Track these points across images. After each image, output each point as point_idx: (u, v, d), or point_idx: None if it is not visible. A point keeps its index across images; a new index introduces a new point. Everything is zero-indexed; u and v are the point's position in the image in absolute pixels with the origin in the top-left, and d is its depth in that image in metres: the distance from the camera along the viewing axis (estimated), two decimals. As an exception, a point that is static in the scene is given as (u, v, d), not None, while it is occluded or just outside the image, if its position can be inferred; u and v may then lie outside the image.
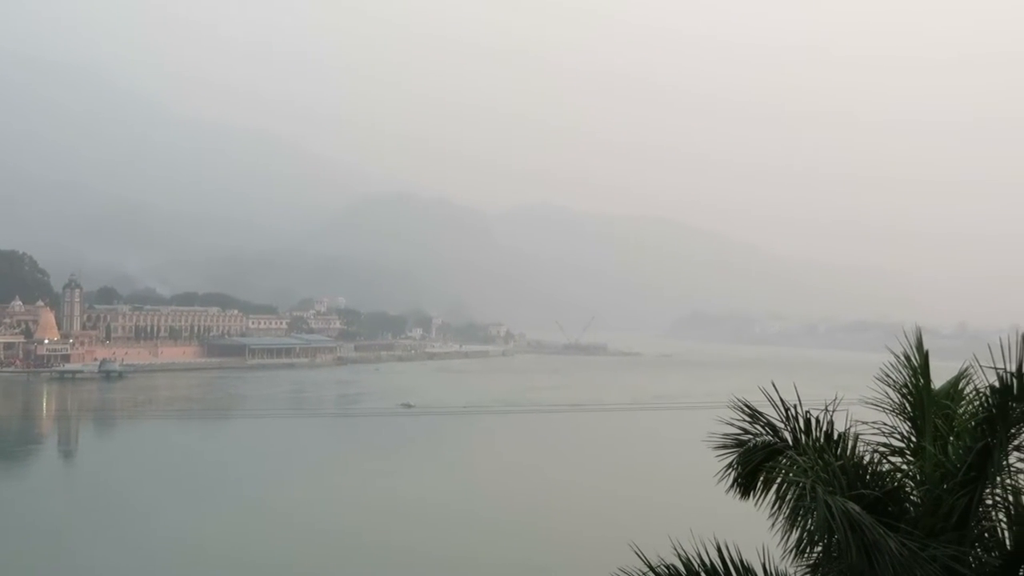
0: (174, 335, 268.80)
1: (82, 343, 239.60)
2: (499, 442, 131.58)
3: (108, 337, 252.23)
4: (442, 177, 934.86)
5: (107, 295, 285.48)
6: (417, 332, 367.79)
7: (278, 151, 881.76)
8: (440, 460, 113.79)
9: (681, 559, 11.61)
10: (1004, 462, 11.01)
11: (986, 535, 11.33)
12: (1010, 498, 11.28)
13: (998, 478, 11.07)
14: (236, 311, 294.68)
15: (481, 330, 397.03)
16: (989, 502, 11.25)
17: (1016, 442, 11.13)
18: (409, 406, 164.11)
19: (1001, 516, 11.33)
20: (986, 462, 10.86)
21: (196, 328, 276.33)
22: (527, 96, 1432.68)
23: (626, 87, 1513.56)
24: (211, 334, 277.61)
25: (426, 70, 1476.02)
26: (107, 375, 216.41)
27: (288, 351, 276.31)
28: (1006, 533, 11.28)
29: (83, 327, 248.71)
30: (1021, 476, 11.31)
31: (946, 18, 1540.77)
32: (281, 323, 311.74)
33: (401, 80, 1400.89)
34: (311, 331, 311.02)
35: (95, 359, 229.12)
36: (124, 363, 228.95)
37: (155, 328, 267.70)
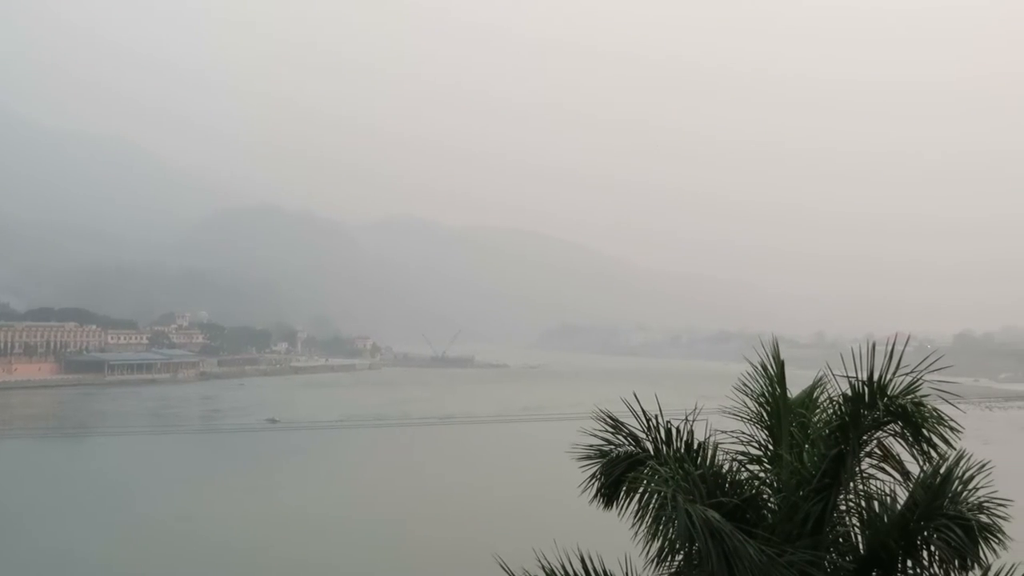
0: (29, 351, 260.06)
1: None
2: (367, 456, 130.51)
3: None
4: (307, 189, 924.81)
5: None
6: (282, 346, 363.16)
7: (137, 159, 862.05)
8: (307, 474, 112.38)
9: (545, 570, 11.65)
10: (857, 468, 11.31)
11: (841, 540, 11.61)
12: (863, 503, 11.58)
13: (851, 484, 11.36)
14: (95, 326, 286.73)
15: (347, 343, 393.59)
16: (843, 507, 11.53)
17: (868, 449, 11.44)
18: (274, 421, 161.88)
19: (855, 521, 11.62)
20: (840, 469, 11.13)
21: (52, 344, 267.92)
22: (391, 108, 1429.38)
23: (492, 100, 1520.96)
24: (68, 350, 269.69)
25: (290, 81, 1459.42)
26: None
27: (149, 367, 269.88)
28: (859, 537, 11.57)
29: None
30: (873, 482, 11.62)
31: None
32: (142, 338, 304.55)
33: (266, 90, 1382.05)
34: (173, 346, 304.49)
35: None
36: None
37: (8, 344, 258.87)
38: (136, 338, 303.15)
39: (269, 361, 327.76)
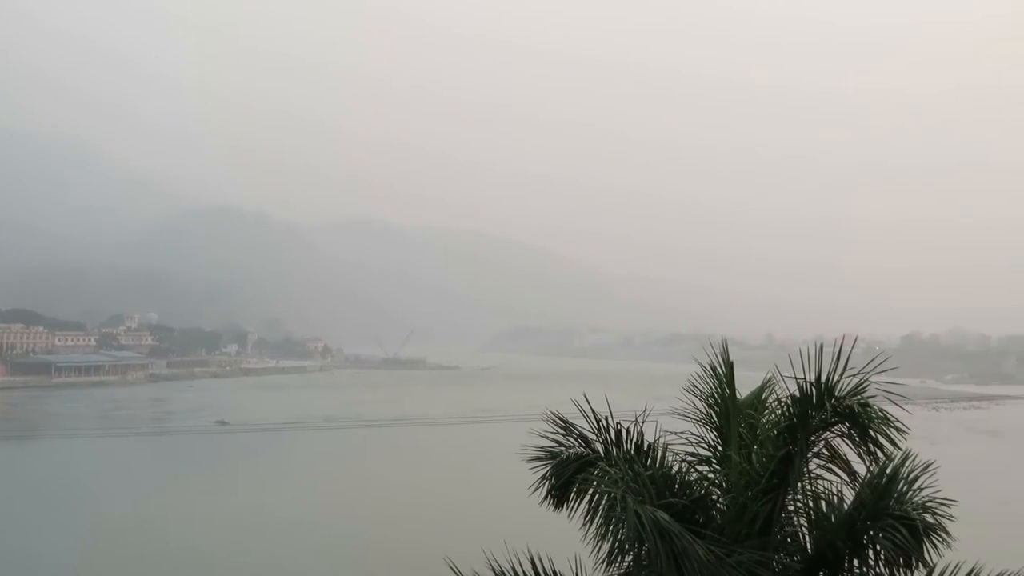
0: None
1: None
2: (318, 458, 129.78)
3: None
4: (262, 190, 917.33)
5: None
6: (232, 348, 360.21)
7: (89, 159, 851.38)
8: (258, 476, 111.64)
9: (495, 572, 11.66)
10: (804, 469, 11.38)
11: (788, 540, 11.69)
12: (810, 503, 11.67)
13: (799, 484, 11.44)
14: (42, 328, 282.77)
15: (299, 345, 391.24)
16: (791, 508, 11.61)
17: (816, 449, 11.52)
18: (224, 423, 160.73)
19: (802, 521, 11.70)
20: (788, 469, 11.20)
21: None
22: (348, 109, 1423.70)
23: (449, 102, 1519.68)
24: (14, 352, 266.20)
25: (245, 82, 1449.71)
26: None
27: (97, 368, 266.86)
28: (807, 537, 11.65)
29: None
30: (821, 482, 11.71)
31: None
32: (90, 340, 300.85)
33: (222, 91, 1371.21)
34: (121, 348, 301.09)
35: None
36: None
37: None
38: (84, 340, 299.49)
39: (219, 363, 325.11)
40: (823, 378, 11.06)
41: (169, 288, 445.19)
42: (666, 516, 10.34)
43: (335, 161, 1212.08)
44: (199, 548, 75.49)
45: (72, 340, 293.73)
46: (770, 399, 12.40)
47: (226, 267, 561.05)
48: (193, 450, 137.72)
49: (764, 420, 12.09)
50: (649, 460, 11.93)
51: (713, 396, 12.31)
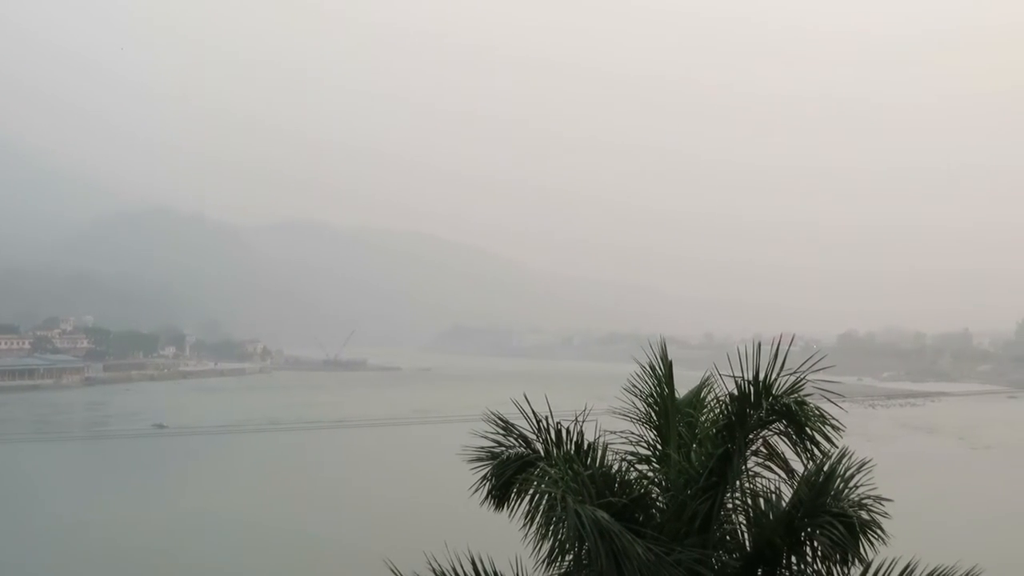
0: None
1: None
2: (257, 460, 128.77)
3: None
4: (199, 190, 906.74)
5: None
6: (170, 350, 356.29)
7: (20, 154, 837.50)
8: (198, 479, 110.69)
9: (436, 573, 11.62)
10: (743, 467, 11.46)
11: (728, 538, 11.76)
12: (749, 501, 11.75)
13: (738, 482, 11.52)
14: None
15: (238, 347, 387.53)
16: (730, 506, 11.68)
17: (754, 447, 11.61)
18: (162, 427, 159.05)
19: (741, 519, 11.79)
20: (727, 467, 11.27)
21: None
22: (287, 108, 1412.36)
23: (387, 100, 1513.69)
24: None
25: (183, 79, 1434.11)
26: None
27: (32, 372, 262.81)
28: (746, 535, 11.74)
29: None
30: (759, 480, 11.80)
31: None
32: (23, 343, 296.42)
33: (159, 88, 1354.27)
34: (57, 351, 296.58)
35: None
36: None
37: None
38: (18, 343, 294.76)
39: (157, 366, 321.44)
40: (761, 377, 11.14)
41: (105, 290, 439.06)
42: (606, 515, 10.36)
43: (273, 162, 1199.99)
44: (137, 550, 74.77)
45: (5, 343, 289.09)
46: (709, 398, 12.48)
47: (163, 269, 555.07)
48: (131, 454, 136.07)
49: (703, 419, 12.17)
50: (589, 460, 11.96)
51: (652, 395, 12.36)
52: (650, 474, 12.09)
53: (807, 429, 11.04)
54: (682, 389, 12.69)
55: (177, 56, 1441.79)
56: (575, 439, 12.11)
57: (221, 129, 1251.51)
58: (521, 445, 12.20)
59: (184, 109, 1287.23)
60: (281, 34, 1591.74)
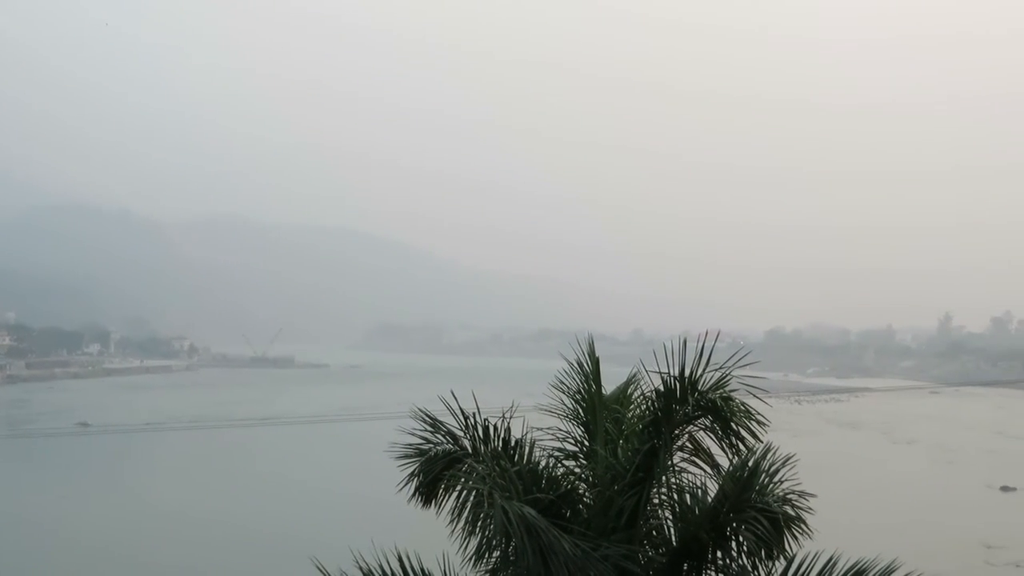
0: None
1: None
2: (184, 458, 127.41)
3: None
4: (124, 186, 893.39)
5: None
6: (95, 348, 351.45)
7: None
8: (122, 477, 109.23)
9: (362, 570, 11.59)
10: (669, 462, 11.53)
11: (654, 533, 11.83)
12: (675, 496, 11.84)
13: (664, 478, 11.59)
14: None
15: (164, 344, 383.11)
16: (656, 501, 11.75)
17: (680, 443, 11.70)
18: (86, 425, 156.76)
19: (667, 514, 11.86)
20: (653, 463, 11.34)
21: None
22: (212, 102, 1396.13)
23: (316, 93, 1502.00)
24: None
25: (106, 72, 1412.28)
26: None
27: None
28: (672, 530, 11.81)
29: None
30: (685, 475, 11.90)
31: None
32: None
33: (82, 81, 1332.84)
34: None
35: None
36: None
37: None
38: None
39: (80, 363, 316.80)
40: (687, 373, 11.23)
41: (27, 287, 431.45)
42: (533, 512, 10.37)
43: (198, 158, 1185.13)
44: (61, 548, 73.82)
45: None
46: (635, 394, 12.55)
47: (88, 265, 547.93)
48: (54, 452, 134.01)
49: (629, 415, 12.23)
50: (516, 456, 11.98)
51: (580, 392, 12.40)
52: (577, 470, 12.13)
53: (732, 425, 11.15)
54: (610, 385, 12.74)
55: (99, 48, 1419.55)
56: (502, 436, 12.12)
57: (145, 124, 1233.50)
58: (449, 442, 12.19)
59: (106, 103, 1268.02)
60: (203, 25, 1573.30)
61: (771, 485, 11.33)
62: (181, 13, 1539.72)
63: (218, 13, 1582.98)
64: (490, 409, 12.40)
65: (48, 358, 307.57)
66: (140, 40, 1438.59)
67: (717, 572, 11.44)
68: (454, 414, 12.26)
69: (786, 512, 11.09)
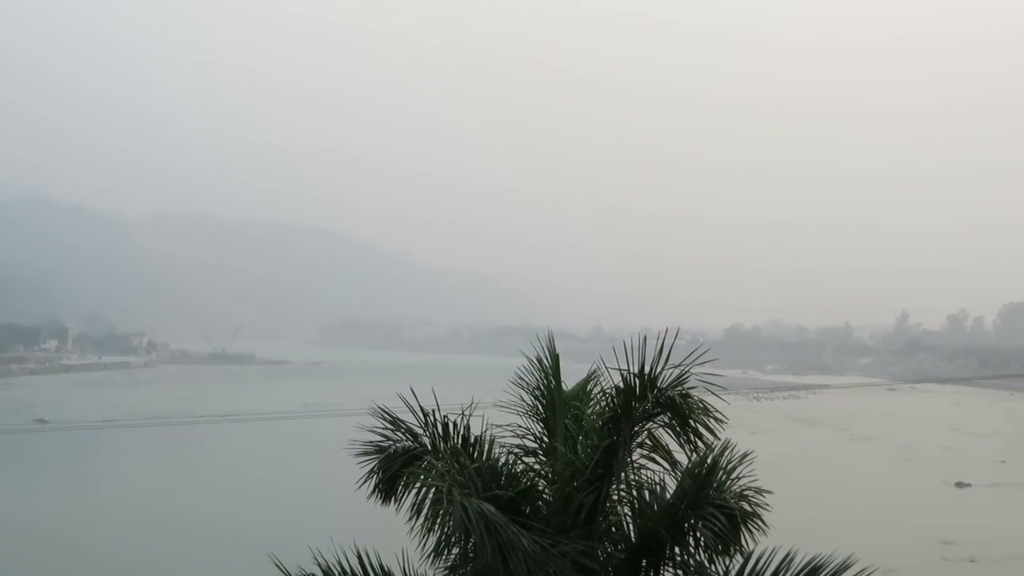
0: None
1: None
2: (142, 454, 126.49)
3: None
4: (78, 180, 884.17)
5: None
6: (52, 344, 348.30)
7: None
8: (81, 474, 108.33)
9: (321, 567, 11.57)
10: (628, 459, 11.59)
11: (613, 529, 11.89)
12: (634, 493, 11.90)
13: (623, 474, 11.64)
14: None
15: (122, 340, 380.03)
16: (615, 497, 11.81)
17: (639, 439, 11.76)
18: (44, 422, 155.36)
19: (626, 510, 11.93)
20: (612, 459, 11.39)
21: None
22: (171, 95, 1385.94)
23: (274, 86, 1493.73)
24: None
25: (62, 64, 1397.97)
26: None
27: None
28: (631, 526, 11.88)
29: None
30: (644, 472, 11.96)
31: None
32: None
33: (36, 72, 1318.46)
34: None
35: None
36: None
37: None
38: None
39: (38, 359, 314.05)
40: (646, 370, 11.28)
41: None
42: (492, 508, 10.40)
43: (156, 152, 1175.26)
44: (20, 544, 73.17)
45: None
46: (595, 390, 12.58)
47: (44, 260, 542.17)
48: (11, 449, 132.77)
49: (589, 411, 12.27)
50: (476, 453, 11.99)
51: (539, 388, 12.43)
52: (536, 467, 12.16)
53: (691, 421, 11.22)
54: (570, 382, 12.78)
55: (61, 43, 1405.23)
56: (462, 432, 12.13)
57: (104, 117, 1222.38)
58: (408, 439, 12.17)
59: (61, 95, 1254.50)
60: (173, 23, 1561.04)
61: (729, 482, 11.41)
62: (145, 10, 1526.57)
63: (179, 9, 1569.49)
64: (450, 406, 12.40)
65: (4, 354, 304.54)
66: (98, 28, 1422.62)
67: (675, 568, 11.52)
68: (413, 411, 12.25)
69: (743, 508, 11.17)
